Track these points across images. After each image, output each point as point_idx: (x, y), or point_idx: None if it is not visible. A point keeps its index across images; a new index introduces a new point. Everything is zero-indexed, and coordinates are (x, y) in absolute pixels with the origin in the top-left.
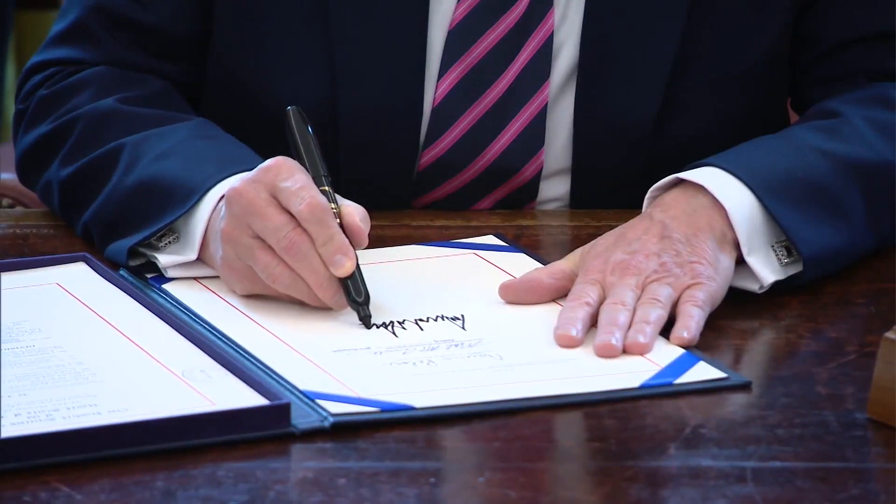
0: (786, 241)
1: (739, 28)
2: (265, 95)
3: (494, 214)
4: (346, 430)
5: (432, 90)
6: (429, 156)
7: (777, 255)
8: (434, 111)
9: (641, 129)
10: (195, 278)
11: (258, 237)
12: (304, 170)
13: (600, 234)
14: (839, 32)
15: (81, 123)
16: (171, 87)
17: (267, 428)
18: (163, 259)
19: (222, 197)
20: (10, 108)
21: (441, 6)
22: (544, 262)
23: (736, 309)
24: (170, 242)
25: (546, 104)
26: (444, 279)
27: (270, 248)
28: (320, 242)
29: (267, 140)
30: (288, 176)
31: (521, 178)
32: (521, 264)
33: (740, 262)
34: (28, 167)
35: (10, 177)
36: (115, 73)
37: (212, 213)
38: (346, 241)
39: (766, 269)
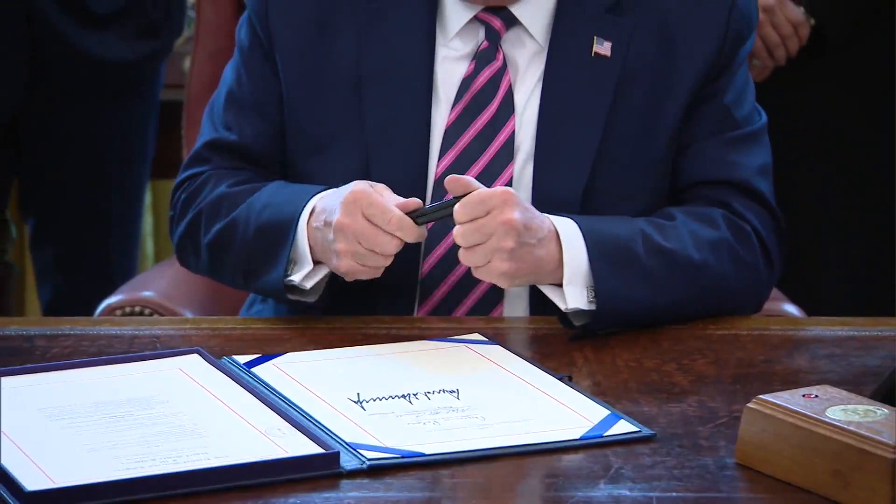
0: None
1: (644, 123)
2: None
3: (479, 319)
4: (378, 471)
5: (434, 168)
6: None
7: (588, 295)
8: (436, 183)
9: (572, 205)
10: (277, 367)
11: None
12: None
13: (553, 335)
14: (698, 175)
15: (208, 206)
16: (257, 175)
17: (322, 469)
18: (295, 278)
19: (309, 215)
20: (150, 248)
21: (440, 112)
22: (515, 353)
23: (647, 386)
24: (294, 268)
25: (511, 178)
26: (443, 364)
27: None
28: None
29: None
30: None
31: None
32: (497, 354)
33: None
34: (183, 249)
35: (149, 294)
36: (222, 173)
37: (308, 228)
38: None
39: (574, 298)
